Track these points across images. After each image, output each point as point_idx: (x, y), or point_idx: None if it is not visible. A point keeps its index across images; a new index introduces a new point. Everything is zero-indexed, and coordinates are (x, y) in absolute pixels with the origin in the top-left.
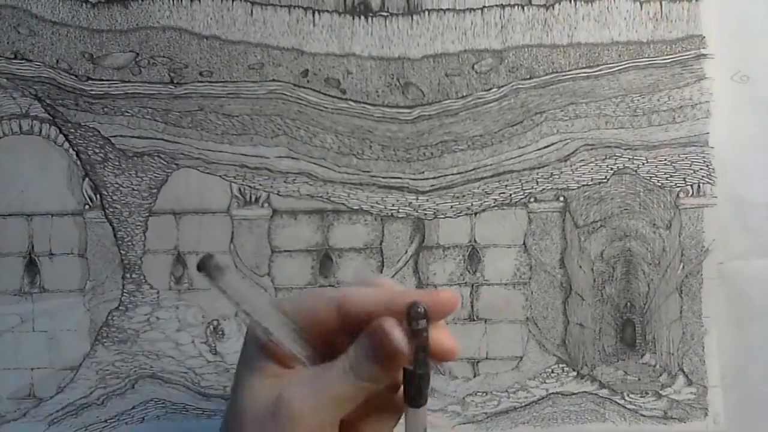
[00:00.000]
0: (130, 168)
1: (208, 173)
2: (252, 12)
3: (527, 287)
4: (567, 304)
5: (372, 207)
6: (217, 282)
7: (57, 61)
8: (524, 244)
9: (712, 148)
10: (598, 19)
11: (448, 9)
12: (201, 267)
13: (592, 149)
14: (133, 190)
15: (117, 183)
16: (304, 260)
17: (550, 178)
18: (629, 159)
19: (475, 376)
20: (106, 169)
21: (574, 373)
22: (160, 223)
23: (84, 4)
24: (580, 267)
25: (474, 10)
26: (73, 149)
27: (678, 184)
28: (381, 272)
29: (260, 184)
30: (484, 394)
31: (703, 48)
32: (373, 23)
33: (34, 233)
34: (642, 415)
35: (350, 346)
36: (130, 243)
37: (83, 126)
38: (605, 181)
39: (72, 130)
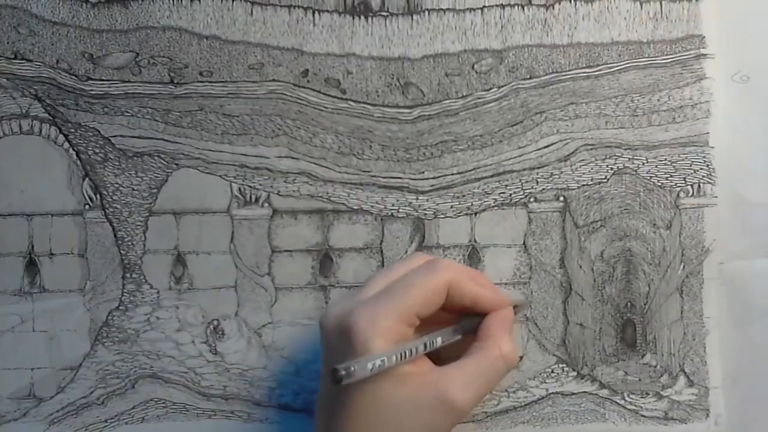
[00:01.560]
0: (130, 168)
1: (208, 173)
2: (252, 12)
3: (527, 287)
4: (567, 304)
5: (372, 207)
6: (357, 378)
7: (57, 61)
8: (524, 244)
9: (712, 148)
10: (598, 19)
11: (448, 9)
12: (337, 381)
13: (592, 149)
14: (133, 190)
15: (117, 183)
16: (304, 260)
17: (550, 178)
18: (629, 159)
19: None
20: (106, 169)
21: (574, 373)
22: (160, 223)
23: (84, 4)
24: (580, 267)
25: (474, 10)
26: (73, 149)
27: (678, 184)
28: None
29: (260, 184)
30: None
31: (703, 48)
32: (373, 23)
33: (34, 233)
34: (642, 415)
35: (492, 338)
36: (130, 243)
37: (83, 126)
38: (605, 181)
39: (72, 130)
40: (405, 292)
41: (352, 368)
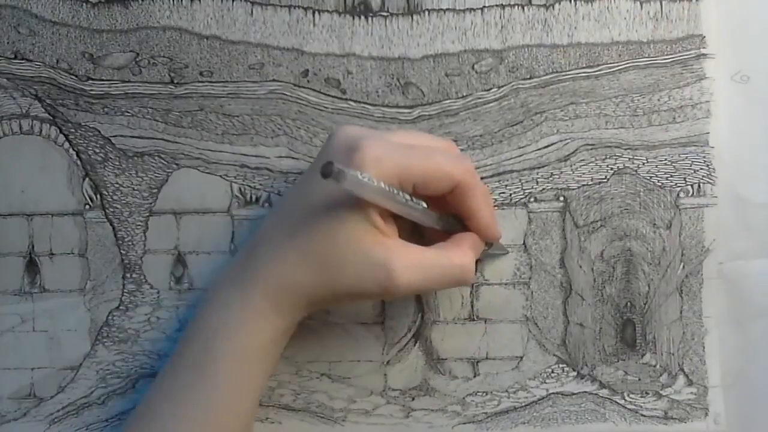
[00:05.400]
0: (130, 168)
1: (208, 173)
2: (252, 12)
3: (527, 287)
4: (567, 304)
5: None
6: (343, 184)
7: (57, 61)
8: (524, 244)
9: (712, 148)
10: (598, 19)
11: (448, 9)
12: (325, 174)
13: (592, 149)
14: (134, 190)
15: (117, 183)
16: None
17: (550, 178)
18: (629, 159)
19: (475, 376)
20: (106, 169)
21: (574, 373)
22: (161, 223)
23: (84, 4)
24: (580, 267)
25: (474, 10)
26: (73, 149)
27: (678, 184)
28: None
29: (260, 184)
30: (484, 394)
31: (704, 48)
32: (373, 23)
33: (34, 233)
34: (642, 415)
35: (460, 247)
36: (130, 243)
37: (83, 126)
38: (605, 181)
39: (72, 130)
40: (420, 159)
41: (346, 171)
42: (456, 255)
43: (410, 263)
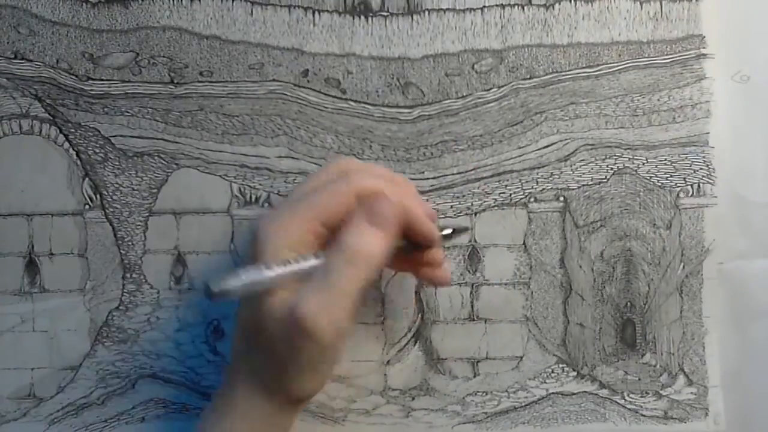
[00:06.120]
0: (130, 168)
1: (208, 173)
2: (252, 12)
3: (527, 287)
4: (567, 304)
5: None
6: (230, 297)
7: (57, 61)
8: (524, 244)
9: (712, 148)
10: (598, 19)
11: (448, 9)
12: (209, 296)
13: (592, 149)
14: (133, 189)
15: (117, 183)
16: None
17: (550, 178)
18: (629, 159)
19: (475, 376)
20: (106, 169)
21: (574, 373)
22: (161, 223)
23: (84, 4)
24: (580, 267)
25: (474, 10)
26: (73, 149)
27: (678, 184)
28: (381, 273)
29: (260, 184)
30: (484, 393)
31: (703, 48)
32: (373, 23)
33: (34, 233)
34: (642, 415)
35: (340, 236)
36: (130, 243)
37: (83, 126)
38: (605, 181)
39: (72, 130)
40: (309, 200)
41: (222, 283)
42: (337, 247)
43: (312, 297)
